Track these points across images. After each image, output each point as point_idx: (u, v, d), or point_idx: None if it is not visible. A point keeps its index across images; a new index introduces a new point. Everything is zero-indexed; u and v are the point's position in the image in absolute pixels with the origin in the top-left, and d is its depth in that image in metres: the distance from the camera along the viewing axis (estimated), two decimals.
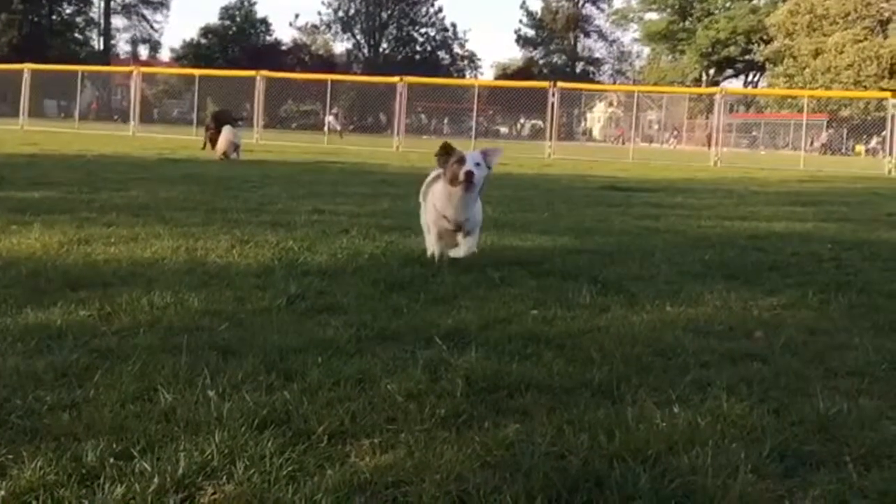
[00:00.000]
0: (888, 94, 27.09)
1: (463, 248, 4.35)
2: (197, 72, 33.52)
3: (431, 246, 4.53)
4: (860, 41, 55.92)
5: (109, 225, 5.51)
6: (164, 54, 78.56)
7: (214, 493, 1.76)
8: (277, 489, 1.77)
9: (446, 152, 4.26)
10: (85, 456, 1.88)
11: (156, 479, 1.78)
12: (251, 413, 2.15)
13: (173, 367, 2.51)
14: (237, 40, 73.97)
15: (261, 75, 28.23)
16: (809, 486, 1.91)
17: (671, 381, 2.65)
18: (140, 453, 1.91)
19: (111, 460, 1.87)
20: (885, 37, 55.69)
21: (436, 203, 4.31)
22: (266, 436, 2.03)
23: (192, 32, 73.72)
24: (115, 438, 1.99)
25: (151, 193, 7.92)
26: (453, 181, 4.15)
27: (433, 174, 4.52)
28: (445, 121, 51.29)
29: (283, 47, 77.69)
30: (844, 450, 2.13)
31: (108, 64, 59.33)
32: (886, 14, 56.70)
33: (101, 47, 74.44)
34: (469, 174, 4.09)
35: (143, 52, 78.68)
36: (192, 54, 70.22)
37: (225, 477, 1.83)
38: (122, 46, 79.58)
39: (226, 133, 15.35)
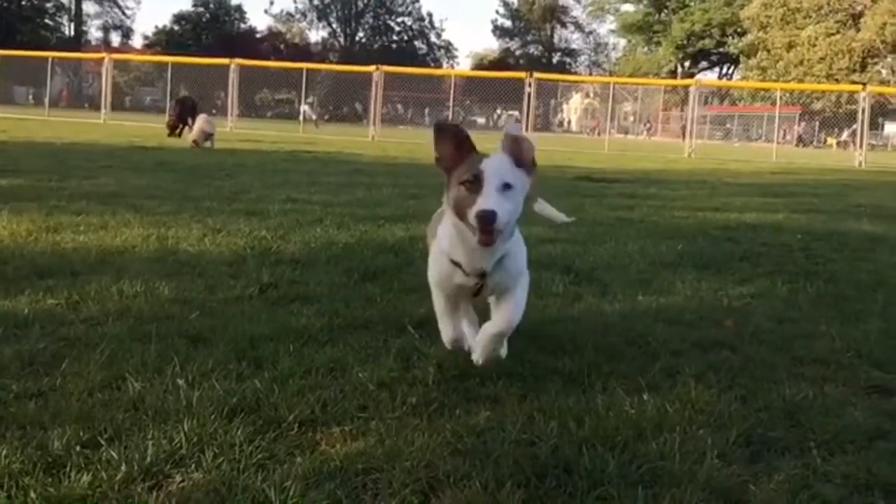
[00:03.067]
0: (859, 87, 27.42)
1: (496, 322, 2.43)
2: (169, 59, 33.15)
3: (443, 322, 2.54)
4: (832, 34, 56.52)
5: (79, 213, 5.44)
6: (137, 41, 77.64)
7: (182, 481, 1.75)
8: (246, 477, 1.76)
9: (454, 145, 2.31)
10: (51, 444, 1.86)
11: (123, 468, 1.77)
12: (220, 401, 2.14)
13: (142, 356, 2.49)
14: (211, 27, 73.20)
15: (235, 63, 27.97)
16: (774, 470, 1.94)
17: (641, 368, 2.67)
18: (107, 442, 1.90)
19: (77, 449, 1.85)
20: (857, 30, 56.30)
21: (441, 243, 2.42)
22: (236, 424, 2.02)
23: (164, 19, 72.85)
24: (82, 427, 1.97)
25: (122, 181, 7.82)
26: (461, 216, 2.23)
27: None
28: (426, 111, 51.11)
29: (258, 35, 77.08)
30: (809, 435, 2.16)
31: (79, 50, 58.39)
32: (858, 8, 57.32)
33: (72, 33, 73.32)
34: (486, 218, 2.13)
35: (115, 38, 77.66)
36: (164, 41, 69.42)
37: (193, 465, 1.82)
38: (94, 33, 78.49)
39: (199, 121, 15.20)
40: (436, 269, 2.46)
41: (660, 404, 2.32)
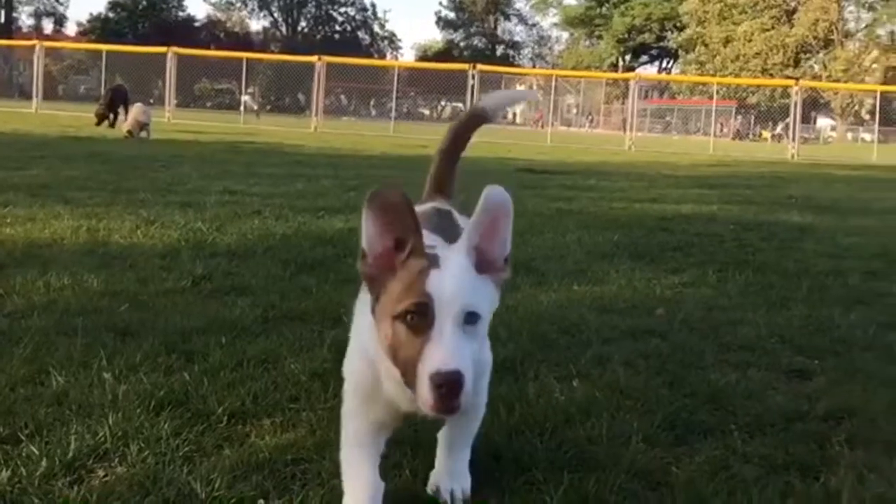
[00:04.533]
0: (792, 82, 28.20)
1: (443, 466, 1.76)
2: (104, 47, 32.21)
3: (351, 473, 1.64)
4: (767, 30, 57.92)
5: (6, 205, 5.27)
6: (70, 28, 75.30)
7: (105, 476, 1.72)
8: (172, 470, 1.74)
9: (392, 234, 1.48)
10: None
11: (44, 463, 1.73)
12: (148, 394, 2.11)
13: (67, 350, 2.43)
14: (147, 15, 71.40)
15: (172, 52, 27.35)
16: (696, 452, 1.99)
17: (573, 356, 2.71)
18: (28, 437, 1.85)
19: None
20: (791, 26, 57.79)
21: (368, 347, 1.56)
22: (163, 417, 1.99)
23: (99, 6, 70.72)
24: (2, 423, 1.92)
25: (53, 172, 7.60)
26: (403, 369, 1.43)
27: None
28: (371, 103, 50.85)
29: (197, 23, 75.47)
30: (731, 419, 2.23)
31: (9, 37, 56.40)
32: (792, 4, 58.85)
33: (2, 20, 70.75)
34: (448, 384, 1.35)
35: (48, 26, 75.20)
36: (99, 29, 67.47)
37: (117, 459, 1.79)
38: (25, 20, 75.83)
39: (134, 111, 14.84)
40: (356, 380, 1.62)
41: (589, 391, 2.37)
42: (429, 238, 1.53)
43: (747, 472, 1.90)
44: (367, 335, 1.55)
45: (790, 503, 1.76)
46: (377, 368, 1.53)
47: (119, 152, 10.80)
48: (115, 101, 18.16)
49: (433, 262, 1.45)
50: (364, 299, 1.57)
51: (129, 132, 14.30)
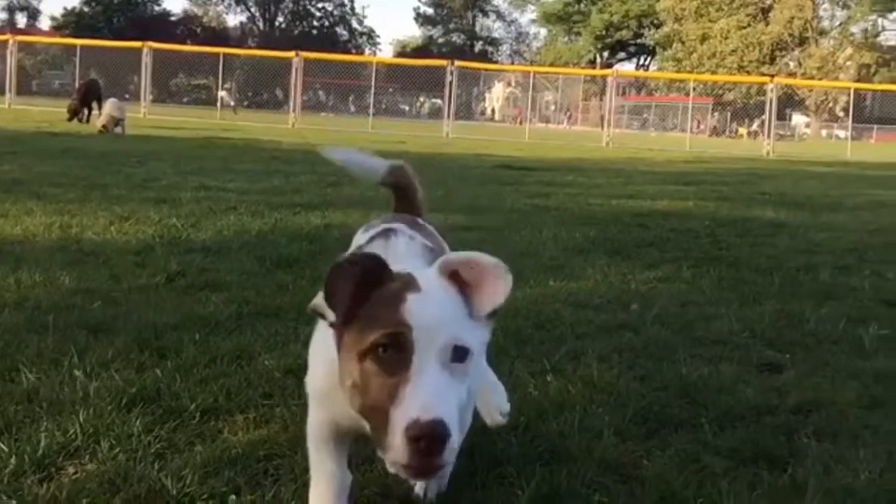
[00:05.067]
0: (767, 79, 28.46)
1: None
2: (79, 42, 31.83)
3: (315, 435, 1.50)
4: (744, 27, 58.39)
5: None
6: (44, 23, 74.30)
7: (76, 473, 1.71)
8: (143, 467, 1.73)
9: (356, 281, 1.21)
10: None
11: (13, 460, 1.72)
12: (119, 391, 2.09)
13: (38, 347, 2.41)
14: (123, 10, 70.61)
15: (147, 47, 27.06)
16: (667, 445, 2.01)
17: (547, 351, 2.73)
18: None
19: None
20: (767, 24, 58.31)
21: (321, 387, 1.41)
22: (134, 414, 1.98)
23: (73, 1, 69.80)
24: None
25: (26, 168, 7.51)
26: (370, 416, 1.18)
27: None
28: (351, 98, 50.61)
29: (173, 18, 74.76)
30: (702, 412, 2.25)
31: None
32: (768, 2, 59.37)
33: None
34: (430, 436, 1.08)
35: (21, 20, 74.14)
36: (74, 23, 66.63)
37: (88, 456, 1.78)
38: None
39: (108, 106, 14.69)
40: (322, 389, 1.40)
41: (562, 385, 2.39)
42: (402, 261, 1.32)
43: (717, 464, 1.92)
44: (326, 374, 1.32)
45: (758, 495, 1.79)
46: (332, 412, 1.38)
47: (93, 148, 10.68)
48: (89, 96, 17.95)
49: (410, 284, 1.19)
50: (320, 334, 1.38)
51: (104, 127, 14.15)
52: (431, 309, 1.17)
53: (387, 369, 1.14)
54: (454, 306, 1.21)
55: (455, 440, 1.10)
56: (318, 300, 1.24)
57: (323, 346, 1.34)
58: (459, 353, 1.17)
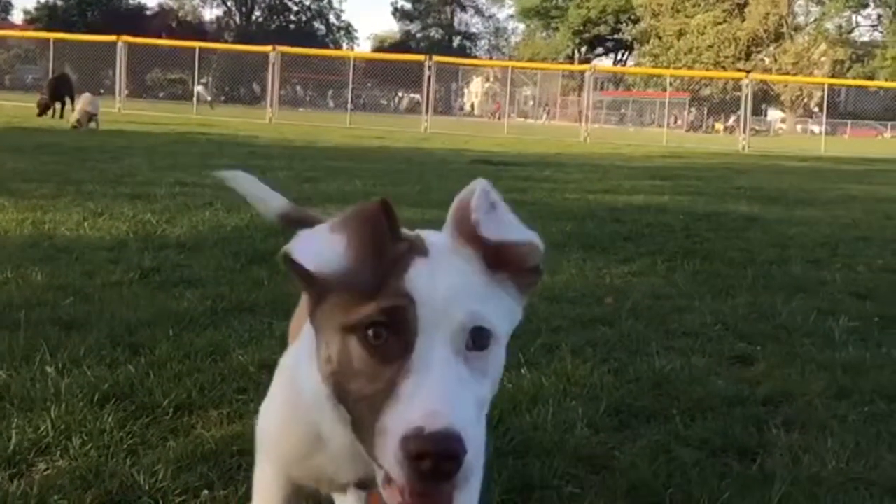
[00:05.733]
0: (743, 74, 28.68)
1: None
2: (52, 35, 31.43)
3: None
4: (720, 23, 58.79)
5: None
6: (17, 16, 73.29)
7: (47, 469, 1.70)
8: (115, 463, 1.73)
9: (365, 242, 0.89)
10: None
11: None
12: (91, 388, 2.08)
13: (9, 344, 2.39)
14: (97, 3, 69.76)
15: (122, 41, 26.77)
16: (639, 437, 2.04)
17: (522, 345, 2.74)
18: None
19: None
20: (743, 20, 58.76)
21: (304, 390, 1.02)
22: (106, 410, 1.97)
23: None
24: None
25: None
26: (357, 419, 0.89)
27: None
28: (329, 93, 50.37)
29: (148, 12, 73.98)
30: (674, 403, 2.28)
31: None
32: None
33: None
34: (438, 449, 0.79)
35: None
36: (47, 17, 65.73)
37: (59, 452, 1.77)
38: None
39: (81, 101, 14.51)
40: (276, 433, 1.11)
41: (537, 378, 2.40)
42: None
43: (687, 455, 1.95)
44: (305, 369, 0.99)
45: (727, 485, 1.81)
46: (314, 423, 0.99)
47: (67, 144, 10.57)
48: (60, 91, 17.70)
49: (417, 247, 0.92)
50: (302, 313, 1.05)
51: (78, 123, 13.96)
52: (444, 279, 0.88)
53: (380, 356, 0.86)
54: (475, 274, 0.92)
55: (472, 456, 0.80)
56: (305, 245, 0.89)
57: (287, 376, 1.07)
58: (480, 338, 0.89)
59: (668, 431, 2.08)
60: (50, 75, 26.14)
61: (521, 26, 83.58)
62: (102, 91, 26.50)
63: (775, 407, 2.31)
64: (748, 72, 31.30)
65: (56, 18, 63.50)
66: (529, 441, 1.96)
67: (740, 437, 2.06)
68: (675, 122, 43.75)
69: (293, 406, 1.02)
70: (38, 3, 70.40)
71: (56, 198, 5.45)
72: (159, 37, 42.83)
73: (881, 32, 60.86)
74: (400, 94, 53.25)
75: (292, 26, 76.14)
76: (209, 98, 36.52)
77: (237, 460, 1.80)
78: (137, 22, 62.92)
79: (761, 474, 1.87)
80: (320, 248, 0.87)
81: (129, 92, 27.68)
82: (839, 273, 4.32)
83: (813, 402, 2.35)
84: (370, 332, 0.86)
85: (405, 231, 0.96)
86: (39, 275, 3.28)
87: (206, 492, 1.65)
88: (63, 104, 17.67)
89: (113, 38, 27.25)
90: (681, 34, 59.55)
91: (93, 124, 14.19)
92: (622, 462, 1.89)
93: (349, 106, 29.59)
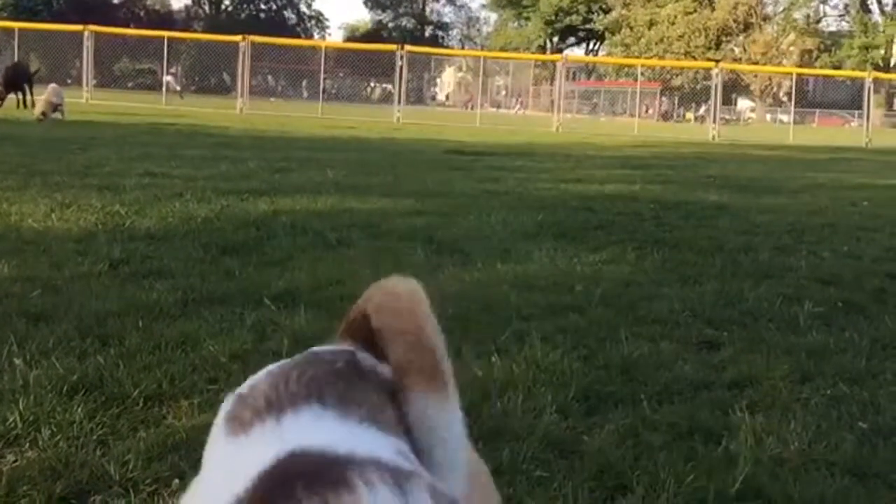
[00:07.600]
0: (713, 64, 28.93)
1: None
2: (17, 24, 30.84)
3: None
4: (690, 13, 59.18)
5: None
6: None
7: (16, 461, 1.69)
8: (85, 453, 1.73)
9: None
10: None
11: None
12: (60, 379, 2.07)
13: None
14: None
15: (89, 30, 26.35)
16: (607, 421, 2.07)
17: (493, 333, 2.77)
18: None
19: None
20: (713, 10, 59.19)
21: None
22: (76, 401, 1.97)
23: None
24: None
25: None
26: None
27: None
28: (303, 83, 49.97)
29: (116, 1, 72.85)
30: (642, 389, 2.32)
31: None
32: None
33: None
34: None
35: None
36: (11, 6, 64.47)
37: (28, 444, 1.77)
38: None
39: (46, 92, 14.26)
40: None
41: (507, 366, 2.43)
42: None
43: (654, 439, 1.98)
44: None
45: (693, 466, 1.85)
46: None
47: (33, 135, 10.41)
48: (16, 80, 17.25)
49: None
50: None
51: (42, 114, 13.63)
52: None
53: None
54: None
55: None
56: None
57: None
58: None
59: (636, 416, 2.12)
60: None
61: (494, 16, 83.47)
62: (69, 81, 26.12)
63: (740, 391, 2.36)
64: (718, 61, 31.57)
65: (21, 7, 62.29)
66: (499, 427, 1.99)
67: (706, 421, 2.10)
68: (647, 111, 44.00)
69: None
70: None
71: (22, 189, 5.38)
72: (127, 26, 42.26)
73: (848, 22, 61.61)
74: (372, 84, 52.99)
75: (262, 15, 75.39)
76: (179, 88, 36.12)
77: None
78: (105, 11, 61.93)
79: (726, 456, 1.91)
80: None
81: (96, 82, 27.28)
82: (805, 259, 4.39)
83: (777, 385, 2.40)
84: None
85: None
86: (6, 267, 3.25)
87: (176, 481, 1.65)
88: (24, 93, 17.31)
89: (79, 27, 26.82)
90: (651, 24, 59.84)
91: (58, 115, 13.94)
92: (590, 446, 1.92)
93: (321, 96, 29.40)
